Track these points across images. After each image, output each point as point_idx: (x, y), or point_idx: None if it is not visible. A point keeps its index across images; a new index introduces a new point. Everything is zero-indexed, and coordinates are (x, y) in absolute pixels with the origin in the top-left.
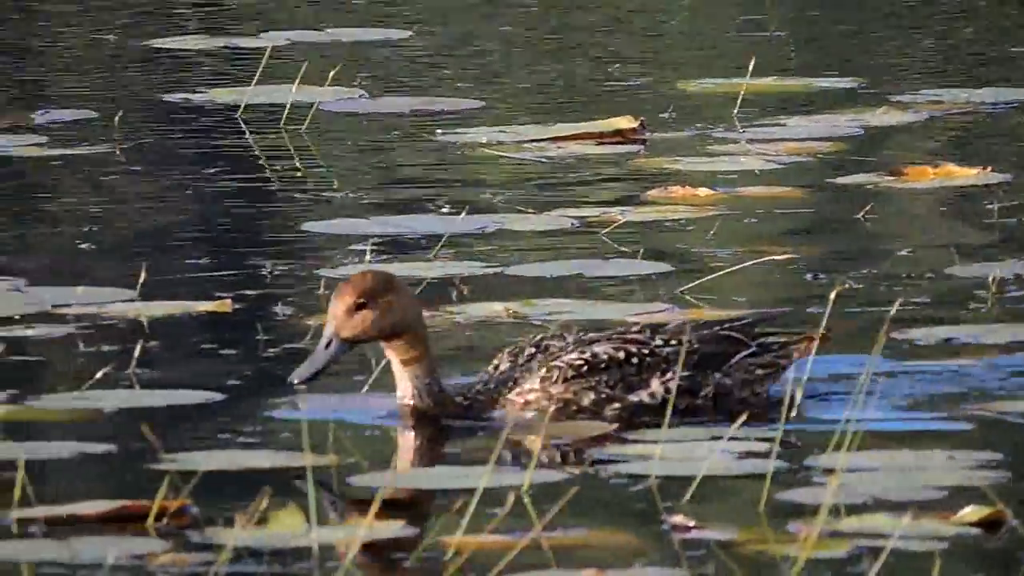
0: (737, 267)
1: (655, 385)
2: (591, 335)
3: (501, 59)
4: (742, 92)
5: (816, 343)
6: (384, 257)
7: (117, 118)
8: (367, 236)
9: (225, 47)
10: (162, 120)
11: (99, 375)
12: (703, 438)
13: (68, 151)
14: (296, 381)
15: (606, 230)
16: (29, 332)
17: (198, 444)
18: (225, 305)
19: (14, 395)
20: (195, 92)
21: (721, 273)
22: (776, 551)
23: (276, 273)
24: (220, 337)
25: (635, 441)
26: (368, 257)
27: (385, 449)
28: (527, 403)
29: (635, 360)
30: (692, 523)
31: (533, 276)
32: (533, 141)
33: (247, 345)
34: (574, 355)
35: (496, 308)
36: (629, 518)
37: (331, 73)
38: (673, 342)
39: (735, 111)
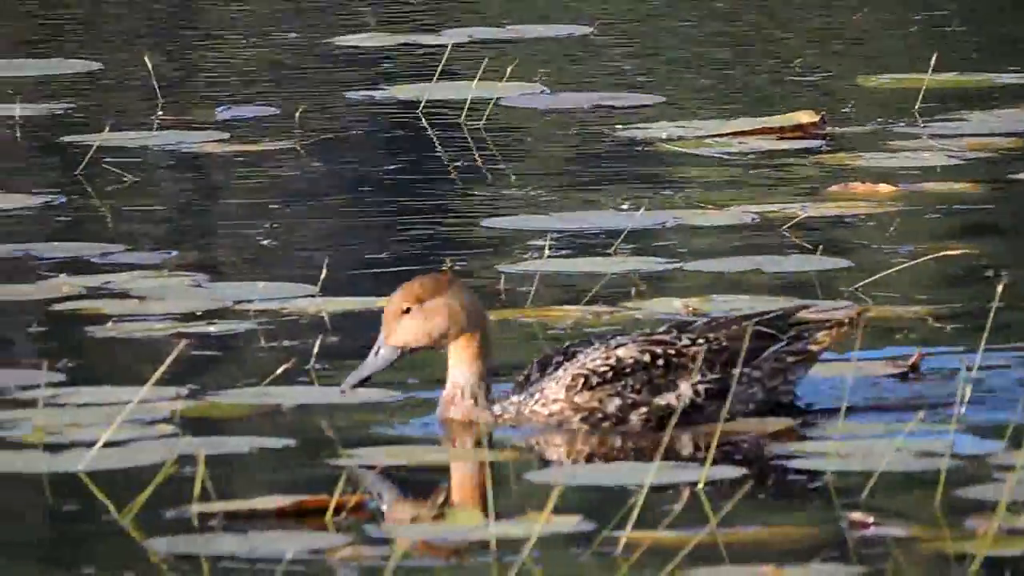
0: (912, 263)
1: (683, 387)
2: (617, 339)
3: (682, 55)
4: (923, 87)
5: (847, 329)
6: (563, 252)
7: (298, 114)
8: (546, 231)
9: (406, 44)
10: (343, 116)
11: (279, 371)
12: (880, 434)
13: (250, 147)
14: (344, 390)
15: (786, 226)
16: (211, 328)
17: (376, 439)
18: None
19: (195, 390)
20: (376, 89)
21: (897, 269)
22: (954, 548)
23: (456, 268)
24: None
25: (812, 438)
26: (547, 252)
27: (561, 445)
28: (551, 414)
29: (660, 362)
30: (870, 520)
31: (712, 272)
32: (713, 136)
33: None
34: (598, 361)
35: (675, 304)
36: (805, 514)
37: (509, 69)
38: (700, 341)
39: (916, 106)
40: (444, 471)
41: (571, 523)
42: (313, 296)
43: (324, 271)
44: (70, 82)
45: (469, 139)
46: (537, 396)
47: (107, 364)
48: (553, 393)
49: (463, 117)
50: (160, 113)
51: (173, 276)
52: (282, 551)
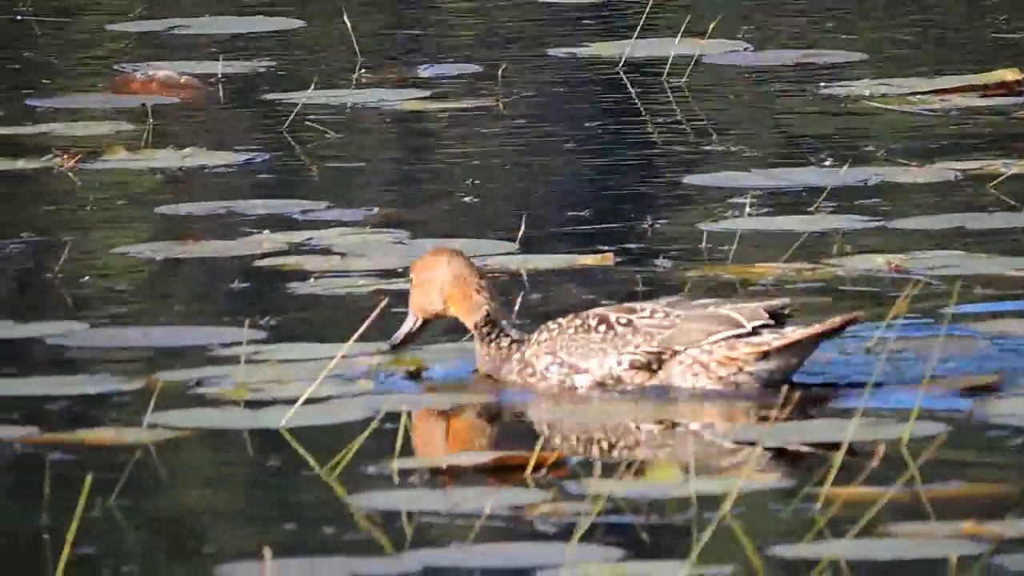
0: None
1: (610, 357)
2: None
3: (885, 11)
4: None
5: (828, 330)
6: (764, 210)
7: (501, 72)
8: (747, 189)
9: (608, 1)
10: (545, 74)
11: None
12: None
13: (451, 104)
14: (387, 348)
15: (991, 183)
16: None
17: (576, 396)
18: (607, 258)
19: (396, 347)
20: (579, 46)
21: None
22: None
23: (657, 226)
24: (600, 290)
25: (1017, 394)
26: (748, 210)
27: (763, 401)
28: (522, 359)
29: (602, 329)
30: None
31: (915, 229)
32: (916, 94)
33: (625, 299)
34: (568, 319)
35: (878, 261)
36: (1007, 471)
37: (711, 26)
38: (659, 315)
39: None
40: (637, 428)
41: (770, 479)
42: (512, 253)
43: (523, 228)
44: (272, 40)
45: (671, 96)
46: (526, 343)
47: (308, 321)
48: (531, 341)
49: (665, 74)
50: (362, 71)
51: (374, 233)
52: (481, 507)
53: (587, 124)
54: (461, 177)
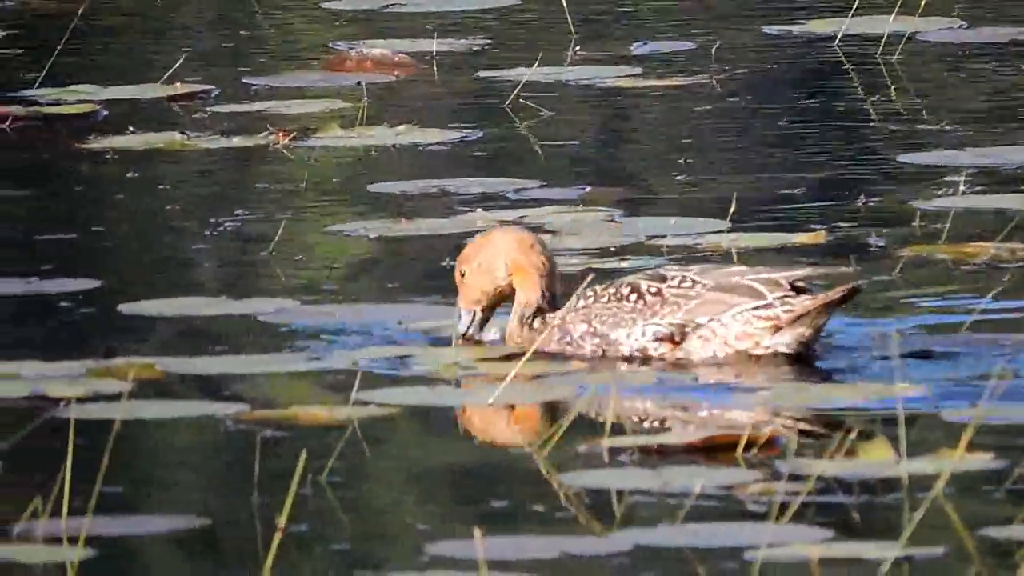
0: None
1: (637, 327)
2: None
3: None
4: None
5: (834, 299)
6: (978, 188)
7: (714, 49)
8: (962, 167)
9: None
10: (759, 51)
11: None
12: None
13: (663, 82)
14: (455, 342)
15: None
16: (624, 264)
17: (785, 376)
18: (818, 236)
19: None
20: (794, 23)
21: None
22: None
23: (870, 204)
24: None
25: None
26: (962, 188)
27: (969, 378)
28: (546, 327)
29: (633, 298)
30: None
31: None
32: None
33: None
34: (600, 288)
35: None
36: None
37: (923, 2)
38: (687, 284)
39: None
40: (854, 409)
41: (983, 460)
42: (724, 231)
43: (734, 205)
44: (486, 18)
45: (885, 74)
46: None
47: None
48: (562, 309)
49: (879, 52)
50: (576, 48)
51: (587, 211)
52: (691, 486)
53: (801, 101)
54: (673, 155)
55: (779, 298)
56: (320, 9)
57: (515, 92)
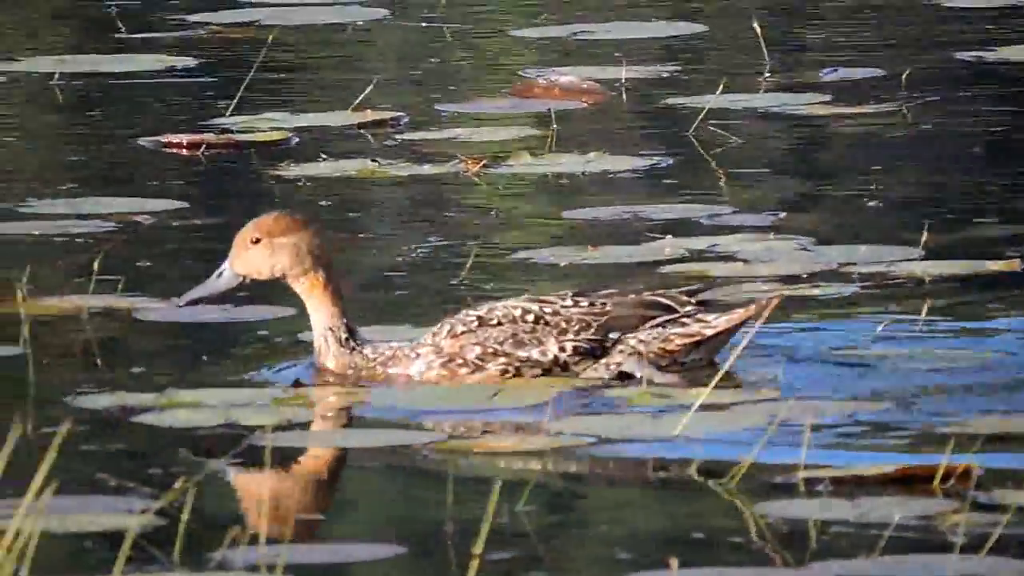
0: None
1: (550, 343)
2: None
3: None
4: None
5: (751, 313)
6: None
7: (905, 76)
8: None
9: (1015, 5)
10: (951, 77)
11: (879, 329)
12: None
13: (854, 109)
14: (179, 304)
15: None
16: (815, 291)
17: (976, 406)
18: (1013, 264)
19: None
20: (987, 49)
21: None
22: None
23: None
24: (1004, 296)
25: None
26: None
27: None
28: (418, 356)
29: (530, 318)
30: None
31: None
32: None
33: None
34: (472, 311)
35: None
36: None
37: None
38: (584, 303)
39: None
40: None
41: None
42: (917, 259)
43: (926, 233)
44: (675, 44)
45: None
46: (414, 342)
47: None
48: (425, 339)
49: None
50: (767, 75)
51: (779, 239)
52: (890, 516)
53: (994, 129)
54: (864, 182)
55: (692, 312)
56: (509, 37)
57: (699, 119)
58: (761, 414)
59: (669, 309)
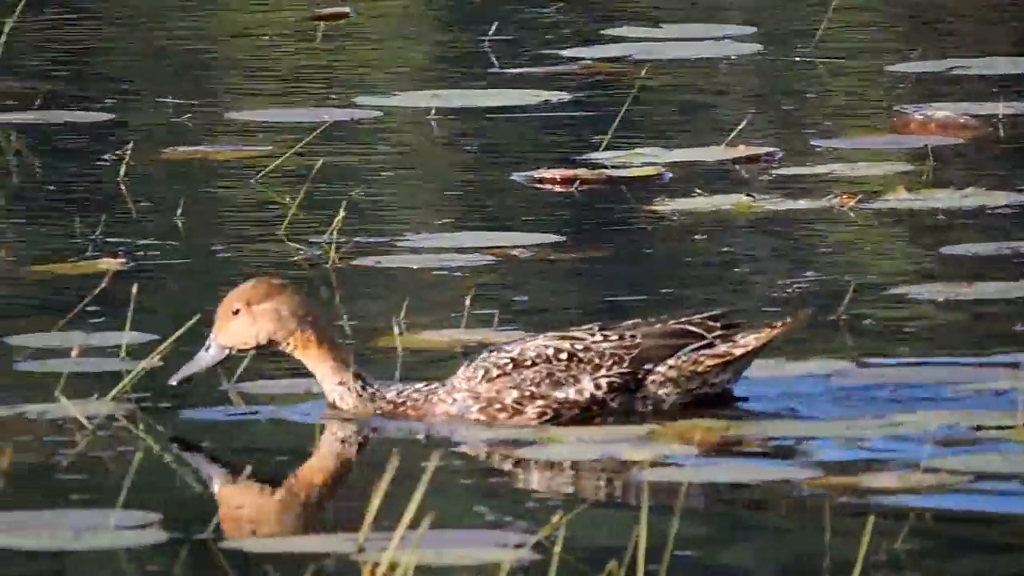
0: None
1: (585, 382)
2: (541, 335)
3: None
4: None
5: (777, 332)
6: None
7: None
8: None
9: None
10: None
11: None
12: None
13: None
14: (173, 382)
15: None
16: None
17: None
18: None
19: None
20: None
21: None
22: None
23: None
24: None
25: None
26: None
27: None
28: (455, 401)
29: (564, 356)
30: None
31: None
32: None
33: None
34: (503, 353)
35: None
36: None
37: None
38: (614, 337)
39: None
40: None
41: None
42: None
43: None
44: None
45: None
46: (448, 385)
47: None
48: (458, 383)
49: None
50: None
51: None
52: None
53: None
54: None
55: (720, 336)
56: (884, 72)
57: None
58: None
59: (697, 336)
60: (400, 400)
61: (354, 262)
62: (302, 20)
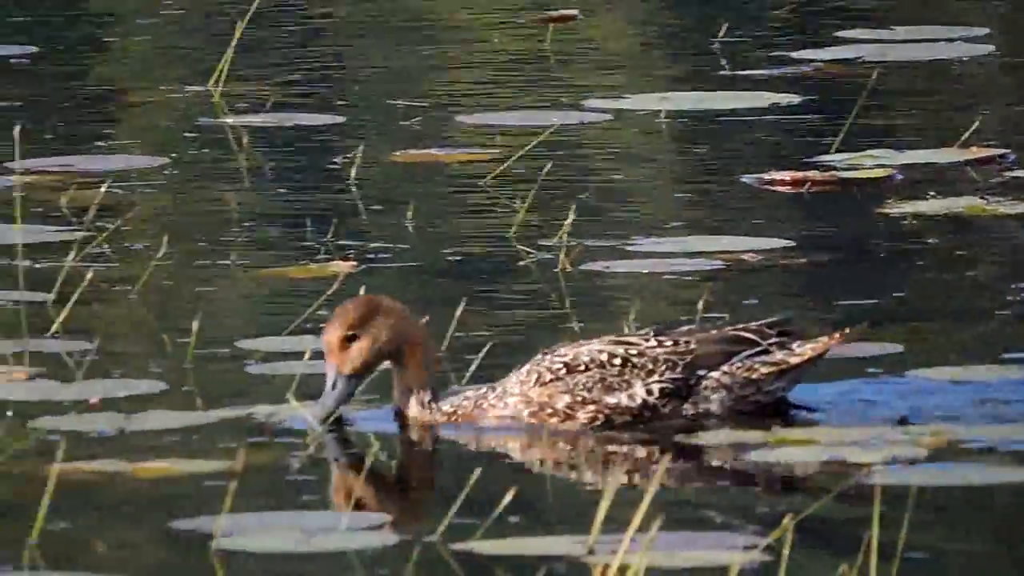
0: None
1: (637, 387)
2: (592, 340)
3: None
4: None
5: (834, 343)
6: None
7: None
8: None
9: None
10: None
11: None
12: None
13: None
14: (315, 428)
15: None
16: None
17: None
18: None
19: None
20: None
21: None
22: None
23: None
24: None
25: None
26: None
27: None
28: (507, 405)
29: (617, 361)
30: None
31: None
32: None
33: None
34: (557, 357)
35: None
36: None
37: None
38: (668, 342)
39: None
40: None
41: None
42: None
43: None
44: None
45: None
46: (498, 390)
47: None
48: (511, 387)
49: None
50: None
51: None
52: None
53: None
54: None
55: (775, 343)
56: None
57: None
58: None
59: (752, 343)
60: (450, 411)
61: (583, 266)
62: (531, 22)
